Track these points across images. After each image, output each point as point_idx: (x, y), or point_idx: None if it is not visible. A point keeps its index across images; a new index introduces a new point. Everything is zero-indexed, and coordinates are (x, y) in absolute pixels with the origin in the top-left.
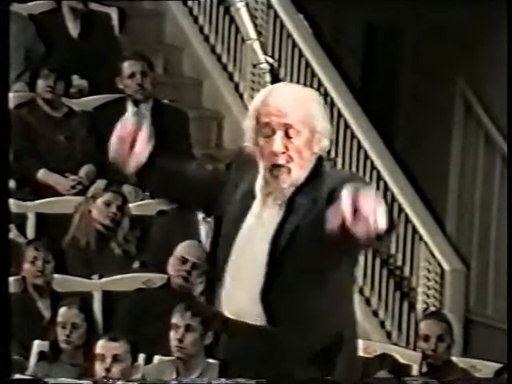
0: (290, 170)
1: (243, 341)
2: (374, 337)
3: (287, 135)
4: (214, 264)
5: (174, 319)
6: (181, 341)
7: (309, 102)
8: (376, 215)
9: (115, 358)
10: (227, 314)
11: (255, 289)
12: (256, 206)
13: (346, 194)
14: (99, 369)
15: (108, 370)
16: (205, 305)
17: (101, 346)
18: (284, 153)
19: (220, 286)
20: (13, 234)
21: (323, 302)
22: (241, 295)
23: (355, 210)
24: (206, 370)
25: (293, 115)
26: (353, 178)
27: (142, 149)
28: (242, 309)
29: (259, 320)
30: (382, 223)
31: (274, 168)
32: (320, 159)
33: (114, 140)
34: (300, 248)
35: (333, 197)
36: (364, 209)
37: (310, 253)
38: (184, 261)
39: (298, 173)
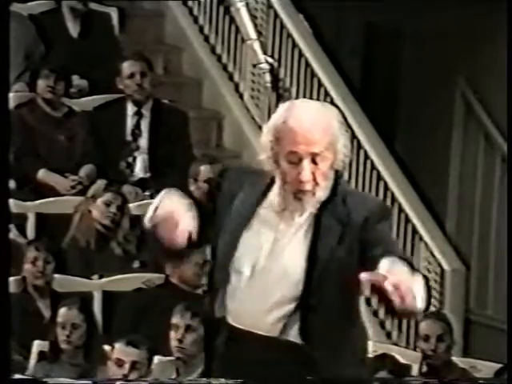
0: (314, 194)
1: (253, 351)
2: (374, 337)
3: (313, 161)
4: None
5: (174, 319)
6: (181, 341)
7: (332, 124)
8: (413, 296)
9: (134, 366)
10: (233, 322)
11: (275, 300)
12: (269, 217)
13: (385, 269)
14: (117, 373)
15: (126, 376)
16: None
17: (120, 350)
18: (311, 179)
19: (226, 293)
20: (13, 234)
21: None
22: (256, 306)
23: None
24: None
25: (320, 144)
26: (380, 209)
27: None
28: (255, 319)
29: (273, 331)
30: (419, 303)
31: (299, 192)
32: (337, 172)
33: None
34: (335, 272)
35: (368, 229)
36: (403, 291)
37: (343, 280)
38: None
39: (321, 193)
